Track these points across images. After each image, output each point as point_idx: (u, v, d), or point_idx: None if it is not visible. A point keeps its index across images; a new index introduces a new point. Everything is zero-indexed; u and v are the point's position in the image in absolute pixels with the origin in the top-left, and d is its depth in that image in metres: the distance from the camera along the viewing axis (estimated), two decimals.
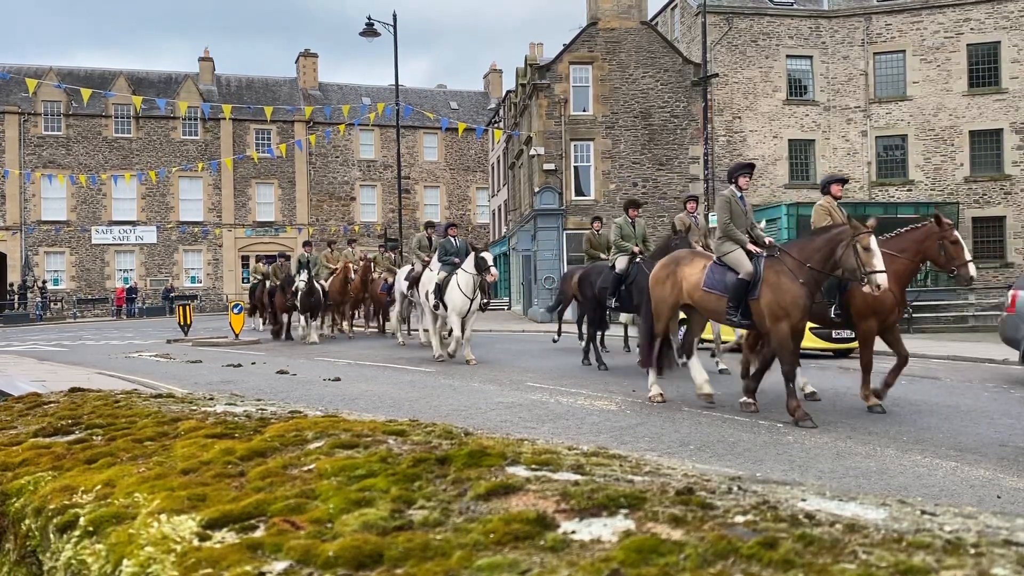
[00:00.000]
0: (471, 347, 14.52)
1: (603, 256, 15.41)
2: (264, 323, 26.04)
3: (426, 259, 17.30)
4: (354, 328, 23.39)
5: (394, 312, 19.73)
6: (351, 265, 21.04)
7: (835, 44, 34.40)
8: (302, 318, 20.39)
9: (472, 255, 14.08)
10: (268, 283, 23.84)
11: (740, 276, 8.59)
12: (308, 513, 1.33)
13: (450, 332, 14.82)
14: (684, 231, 12.36)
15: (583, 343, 13.85)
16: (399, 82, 31.35)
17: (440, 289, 14.43)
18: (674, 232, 12.34)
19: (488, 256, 13.92)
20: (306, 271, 19.77)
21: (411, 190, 53.59)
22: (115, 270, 49.65)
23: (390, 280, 20.64)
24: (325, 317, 22.34)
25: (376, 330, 23.17)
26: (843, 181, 10.13)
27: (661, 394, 9.45)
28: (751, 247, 8.73)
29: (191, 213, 50.86)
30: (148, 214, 50.30)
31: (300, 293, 19.83)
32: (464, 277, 13.94)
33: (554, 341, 17.37)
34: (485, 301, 14.58)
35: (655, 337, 9.48)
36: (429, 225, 19.64)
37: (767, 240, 8.98)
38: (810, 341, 15.02)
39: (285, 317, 22.05)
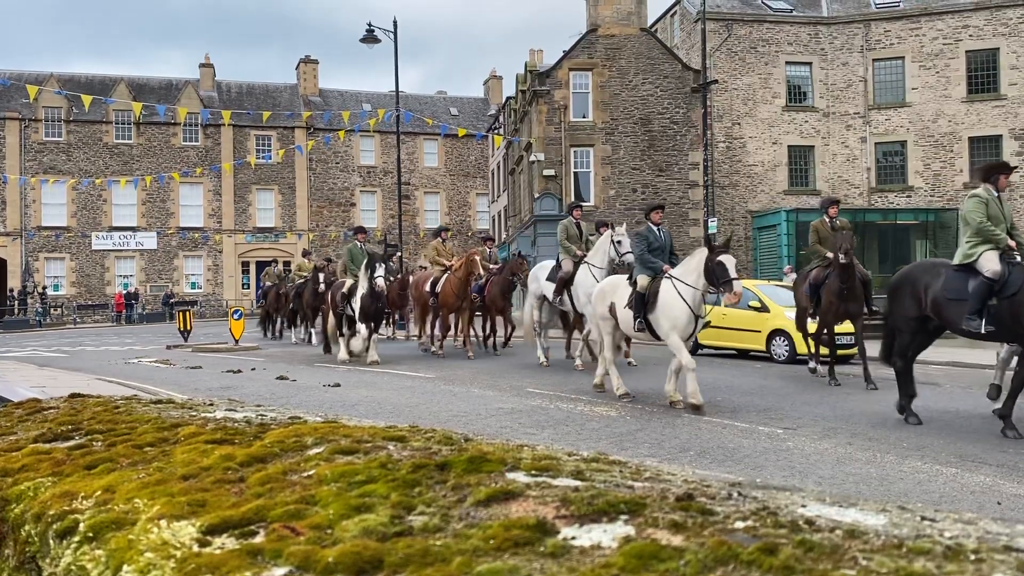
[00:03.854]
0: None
1: (830, 254, 12.03)
2: (305, 332, 23.08)
3: (579, 253, 13.96)
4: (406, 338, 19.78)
5: (524, 316, 15.80)
6: (478, 259, 16.20)
7: (834, 51, 34.48)
8: (361, 328, 15.56)
9: (700, 257, 9.45)
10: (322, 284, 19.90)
11: None
12: (308, 519, 1.33)
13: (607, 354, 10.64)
14: None
15: (898, 383, 8.86)
16: (399, 88, 31.40)
17: (645, 300, 9.86)
18: None
19: (731, 262, 9.14)
20: (382, 265, 15.04)
21: (411, 196, 53.61)
22: (115, 276, 49.63)
23: (482, 278, 16.79)
24: (443, 331, 17.71)
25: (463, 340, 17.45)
26: None
27: None
28: None
29: (191, 219, 50.87)
30: (148, 220, 50.32)
31: (361, 295, 15.24)
32: (689, 288, 9.48)
33: (812, 371, 13.01)
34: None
35: None
36: (576, 207, 15.13)
37: None
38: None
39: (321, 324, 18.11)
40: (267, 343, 23.49)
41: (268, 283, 26.88)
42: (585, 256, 13.78)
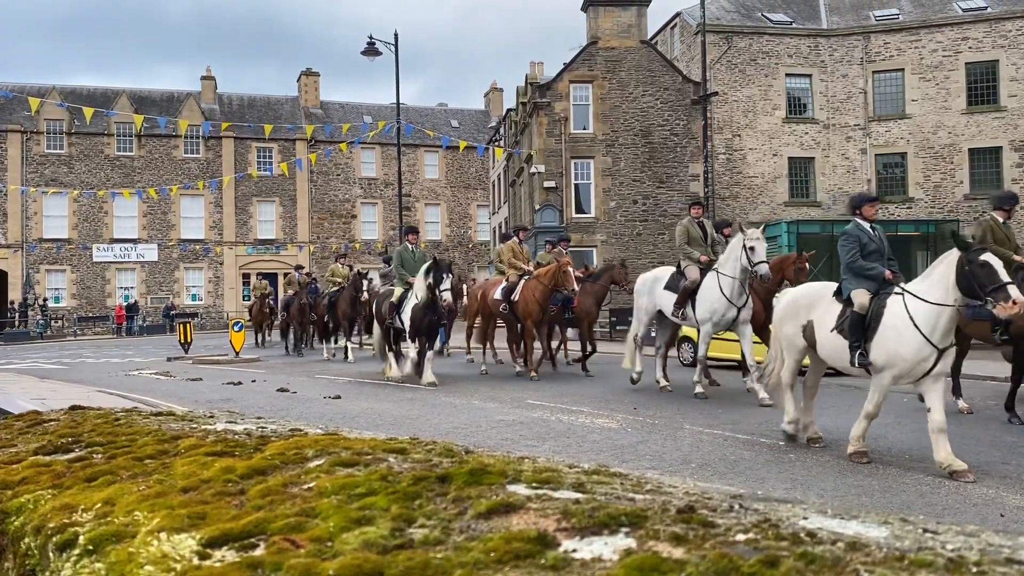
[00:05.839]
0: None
1: (1017, 257, 9.41)
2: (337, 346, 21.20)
3: (704, 259, 11.98)
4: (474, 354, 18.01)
5: (631, 332, 13.57)
6: (572, 270, 14.06)
7: (834, 62, 34.59)
8: (410, 350, 13.79)
9: (949, 261, 6.95)
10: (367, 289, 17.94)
11: None
12: (308, 531, 1.32)
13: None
14: None
15: None
16: (400, 100, 31.50)
17: (866, 325, 7.32)
18: None
19: (997, 262, 6.72)
20: (448, 276, 12.99)
21: (412, 207, 53.70)
22: (116, 288, 49.66)
23: (575, 292, 14.38)
24: (528, 347, 15.03)
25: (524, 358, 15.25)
26: None
27: None
28: None
29: (192, 231, 50.96)
30: (149, 232, 50.40)
31: (413, 307, 13.32)
32: (925, 308, 6.94)
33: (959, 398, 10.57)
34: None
35: None
36: (695, 205, 12.95)
37: None
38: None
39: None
40: (271, 355, 23.41)
41: (291, 291, 25.29)
42: (714, 262, 11.83)
